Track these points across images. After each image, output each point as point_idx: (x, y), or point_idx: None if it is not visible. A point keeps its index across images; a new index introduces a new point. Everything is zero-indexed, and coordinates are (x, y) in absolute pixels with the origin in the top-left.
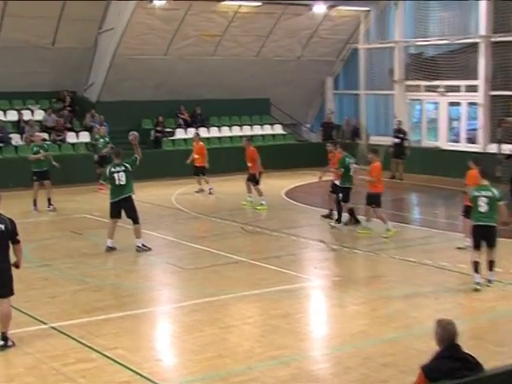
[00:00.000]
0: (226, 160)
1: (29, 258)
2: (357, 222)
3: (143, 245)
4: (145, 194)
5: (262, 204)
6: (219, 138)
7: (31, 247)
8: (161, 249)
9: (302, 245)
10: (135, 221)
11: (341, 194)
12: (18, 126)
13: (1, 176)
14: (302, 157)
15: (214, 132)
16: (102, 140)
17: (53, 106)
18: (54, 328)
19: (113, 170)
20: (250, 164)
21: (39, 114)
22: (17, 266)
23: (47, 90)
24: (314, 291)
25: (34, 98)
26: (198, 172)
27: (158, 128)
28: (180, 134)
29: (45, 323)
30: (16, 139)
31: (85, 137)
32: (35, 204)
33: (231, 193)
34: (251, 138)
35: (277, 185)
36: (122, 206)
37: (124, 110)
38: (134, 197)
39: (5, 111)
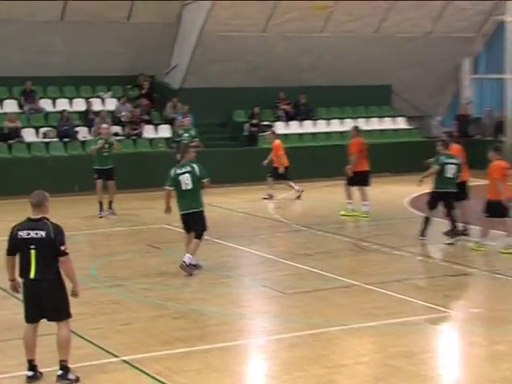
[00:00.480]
0: (336, 161)
1: (97, 277)
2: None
3: (191, 264)
4: (236, 201)
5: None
6: (328, 134)
7: (100, 263)
8: (255, 268)
9: (429, 267)
10: (198, 235)
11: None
12: (86, 118)
13: (65, 177)
14: (431, 157)
15: (321, 126)
16: (186, 134)
17: (127, 93)
18: (125, 362)
19: (178, 171)
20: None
21: (111, 103)
22: (74, 293)
23: (121, 74)
24: (445, 325)
25: (105, 83)
26: (276, 175)
27: (254, 121)
28: (280, 128)
29: (115, 355)
30: (83, 133)
31: (165, 131)
32: (101, 208)
33: (342, 200)
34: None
35: (399, 191)
36: (191, 220)
37: (212, 99)
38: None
39: (70, 99)
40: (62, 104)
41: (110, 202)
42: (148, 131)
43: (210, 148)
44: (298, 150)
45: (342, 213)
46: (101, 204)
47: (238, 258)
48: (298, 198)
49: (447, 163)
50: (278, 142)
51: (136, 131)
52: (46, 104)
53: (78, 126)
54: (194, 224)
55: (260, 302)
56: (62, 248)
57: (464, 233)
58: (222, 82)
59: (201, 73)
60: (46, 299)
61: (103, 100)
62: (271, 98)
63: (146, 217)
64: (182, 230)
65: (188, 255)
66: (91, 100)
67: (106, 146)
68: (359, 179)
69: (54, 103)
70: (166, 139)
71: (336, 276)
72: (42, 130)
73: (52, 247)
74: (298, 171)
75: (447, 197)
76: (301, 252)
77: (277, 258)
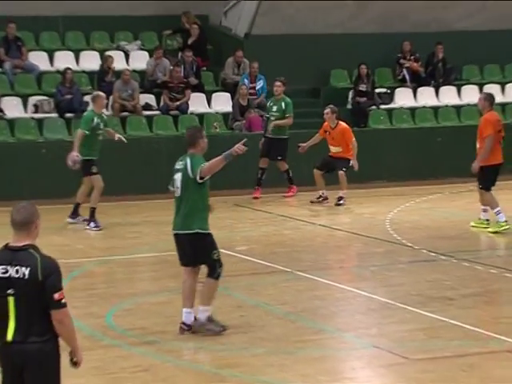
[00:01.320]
0: None
1: (116, 329)
2: None
3: (210, 319)
4: (333, 214)
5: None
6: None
7: (120, 308)
8: (363, 319)
9: None
10: (211, 272)
11: None
12: (100, 82)
13: (67, 172)
14: None
15: (469, 96)
16: (275, 108)
17: (165, 43)
18: None
19: (175, 166)
20: (339, 148)
21: (140, 58)
22: (74, 362)
23: (154, 13)
24: None
25: (131, 28)
26: (338, 166)
27: (361, 87)
28: (403, 98)
29: None
30: None
31: (223, 102)
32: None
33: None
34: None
35: None
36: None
37: (297, 53)
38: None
39: (77, 53)
40: (64, 60)
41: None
42: (196, 103)
43: (292, 130)
44: (432, 134)
45: (473, 224)
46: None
47: (336, 302)
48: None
49: None
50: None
51: (178, 103)
52: (38, 59)
53: (87, 93)
54: (192, 253)
55: (370, 372)
56: (56, 297)
57: None
58: (311, 26)
59: (279, 11)
60: (30, 373)
61: (127, 54)
62: (390, 50)
63: None
64: (248, 257)
65: (188, 310)
66: (108, 54)
67: (101, 125)
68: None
69: (50, 58)
70: (225, 115)
71: (493, 333)
72: (33, 99)
73: (39, 294)
74: (430, 166)
75: None
76: (436, 294)
77: (397, 304)
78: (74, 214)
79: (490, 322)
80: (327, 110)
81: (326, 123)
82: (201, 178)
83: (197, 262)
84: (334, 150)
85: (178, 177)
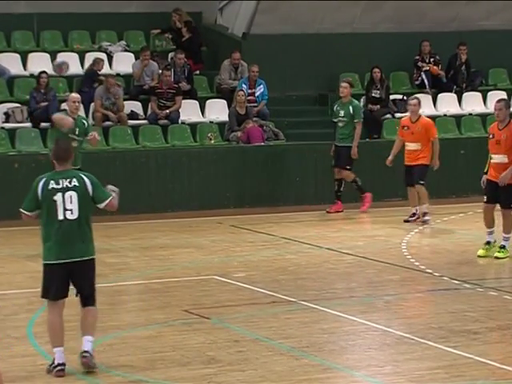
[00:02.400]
0: None
1: (98, 367)
2: None
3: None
4: (343, 235)
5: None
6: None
7: (103, 343)
8: (377, 355)
9: None
10: (92, 301)
11: None
12: (81, 87)
13: None
14: None
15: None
16: (342, 113)
17: (153, 44)
18: None
19: (53, 185)
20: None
21: (124, 61)
22: None
23: (141, 10)
24: None
25: (115, 27)
26: (415, 179)
27: (374, 93)
28: (422, 105)
29: None
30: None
31: (219, 110)
32: None
33: None
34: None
35: None
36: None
37: (301, 55)
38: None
39: (53, 55)
40: (39, 62)
41: None
42: (188, 111)
43: (295, 141)
44: (452, 145)
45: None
46: None
47: (346, 335)
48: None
49: None
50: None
51: (168, 110)
52: (9, 62)
53: (65, 100)
54: (80, 282)
55: None
56: None
57: None
58: (317, 25)
59: (281, 9)
60: None
61: (111, 55)
62: (407, 51)
63: (182, 261)
64: (247, 285)
65: (88, 338)
66: (90, 55)
67: (76, 131)
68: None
69: (23, 61)
70: (220, 125)
71: None
72: (3, 107)
73: None
74: (451, 182)
75: None
76: (459, 327)
77: (415, 338)
78: None
79: None
80: (414, 101)
81: (404, 119)
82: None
83: (86, 290)
84: (411, 146)
85: (67, 196)
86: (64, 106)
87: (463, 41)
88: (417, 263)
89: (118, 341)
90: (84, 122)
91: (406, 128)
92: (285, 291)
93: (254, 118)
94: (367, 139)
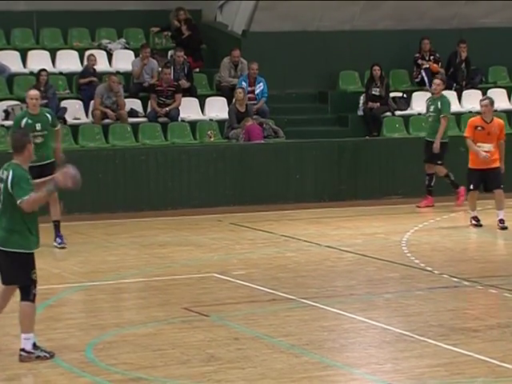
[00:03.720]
0: None
1: (97, 364)
2: None
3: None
4: (343, 233)
5: None
6: (508, 114)
7: (103, 341)
8: (377, 353)
9: None
10: (25, 294)
11: None
12: (80, 85)
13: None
14: None
15: (498, 100)
16: (432, 108)
17: (153, 41)
18: None
19: None
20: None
21: (124, 58)
22: None
23: (141, 7)
24: None
25: (114, 25)
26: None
27: (374, 91)
28: (422, 102)
29: None
30: (74, 111)
31: (219, 108)
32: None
33: None
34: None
35: None
36: None
37: (302, 52)
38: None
39: (53, 53)
40: (39, 60)
41: (57, 224)
42: (188, 108)
43: (295, 139)
44: (453, 142)
45: None
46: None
47: (346, 333)
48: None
49: None
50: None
51: (167, 109)
52: (9, 60)
53: (65, 98)
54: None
55: None
56: None
57: None
58: (318, 23)
59: (281, 6)
60: None
61: (110, 53)
62: (407, 49)
63: (182, 259)
64: (246, 283)
65: (24, 336)
66: (90, 53)
67: (38, 127)
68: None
69: (23, 58)
70: (220, 123)
71: None
72: (3, 105)
73: None
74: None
75: None
76: (459, 325)
77: (415, 336)
78: None
79: None
80: (486, 102)
81: (475, 119)
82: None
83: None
84: (486, 147)
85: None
86: (64, 104)
87: (463, 38)
88: (416, 261)
89: (117, 338)
90: (47, 115)
91: (479, 128)
92: (284, 289)
93: (254, 116)
94: (367, 137)
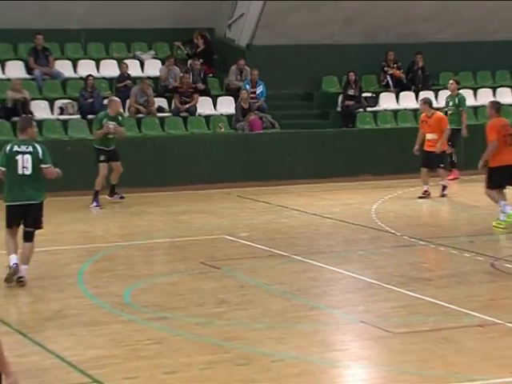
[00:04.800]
0: (468, 148)
1: (133, 306)
2: None
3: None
4: (325, 204)
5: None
6: None
7: (137, 288)
8: (352, 297)
9: None
10: (29, 237)
11: None
12: (118, 87)
13: (90, 167)
14: None
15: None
16: (451, 103)
17: (176, 53)
18: None
19: (17, 148)
20: (435, 135)
21: (153, 67)
22: None
23: (166, 26)
24: None
25: (145, 39)
26: (432, 162)
27: (350, 91)
28: (387, 101)
29: None
30: None
31: (227, 105)
32: (96, 199)
33: (475, 203)
34: None
35: None
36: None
37: (293, 62)
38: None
39: (97, 62)
40: (86, 67)
41: (113, 186)
42: (204, 105)
43: (287, 129)
44: (412, 133)
45: (494, 224)
46: (96, 193)
47: (327, 282)
48: (424, 196)
49: None
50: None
51: (187, 105)
52: (63, 67)
53: (107, 97)
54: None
55: (358, 343)
56: None
57: None
58: (306, 38)
59: (277, 25)
60: None
61: (142, 62)
62: (375, 59)
63: (199, 224)
64: (249, 243)
65: (25, 267)
66: (126, 62)
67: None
68: (505, 177)
69: (74, 66)
70: (229, 117)
71: (466, 310)
72: (59, 103)
73: None
74: (410, 162)
75: None
76: (416, 275)
77: (382, 284)
78: (112, 192)
79: (462, 300)
80: (421, 102)
81: (423, 114)
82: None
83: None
84: (429, 136)
85: (26, 158)
86: (106, 102)
87: (419, 51)
88: (383, 225)
89: (148, 286)
90: (120, 117)
91: (424, 122)
92: (279, 247)
93: (255, 111)
94: (344, 128)
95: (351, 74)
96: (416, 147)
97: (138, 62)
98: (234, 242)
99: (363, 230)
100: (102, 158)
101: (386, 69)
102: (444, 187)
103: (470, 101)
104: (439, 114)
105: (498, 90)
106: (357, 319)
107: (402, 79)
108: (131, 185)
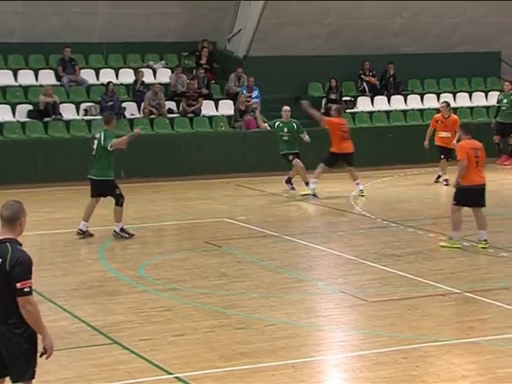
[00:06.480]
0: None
1: (146, 279)
2: None
3: (122, 229)
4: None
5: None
6: (421, 112)
7: (150, 263)
8: (333, 271)
9: None
10: (117, 202)
11: None
12: (134, 92)
13: None
14: None
15: (413, 102)
16: (505, 101)
17: (183, 62)
18: (179, 379)
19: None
20: (449, 134)
21: (164, 75)
22: (43, 352)
23: (175, 39)
24: None
25: (157, 51)
26: (445, 156)
27: (332, 96)
28: (363, 104)
29: (168, 372)
30: (131, 110)
31: (227, 108)
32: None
33: (441, 192)
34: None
35: (507, 181)
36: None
37: (283, 70)
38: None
39: (116, 70)
40: (107, 75)
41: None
42: (207, 108)
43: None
44: (385, 131)
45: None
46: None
47: (313, 258)
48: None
49: None
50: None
51: (193, 108)
52: (87, 75)
53: (124, 101)
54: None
55: (338, 310)
56: (18, 286)
57: None
58: (295, 50)
59: (270, 39)
60: (5, 350)
61: (155, 71)
62: (354, 68)
63: (203, 209)
64: (245, 225)
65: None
66: (140, 70)
67: (285, 130)
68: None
69: (97, 74)
70: (228, 117)
71: (430, 281)
72: (84, 105)
73: (8, 282)
74: (384, 156)
75: None
76: (388, 252)
77: (359, 260)
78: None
79: (427, 273)
80: (443, 104)
81: (438, 115)
82: (110, 147)
83: (104, 194)
84: (443, 134)
85: (95, 142)
86: (124, 104)
87: (391, 61)
88: (360, 209)
89: (160, 261)
90: (293, 123)
91: (439, 122)
92: (272, 228)
93: (251, 113)
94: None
95: (333, 80)
96: (426, 142)
97: (151, 70)
98: (233, 224)
99: (343, 214)
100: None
101: (362, 76)
102: (440, 176)
103: (435, 104)
104: (455, 116)
105: (458, 94)
106: (337, 290)
107: (376, 85)
108: (145, 175)
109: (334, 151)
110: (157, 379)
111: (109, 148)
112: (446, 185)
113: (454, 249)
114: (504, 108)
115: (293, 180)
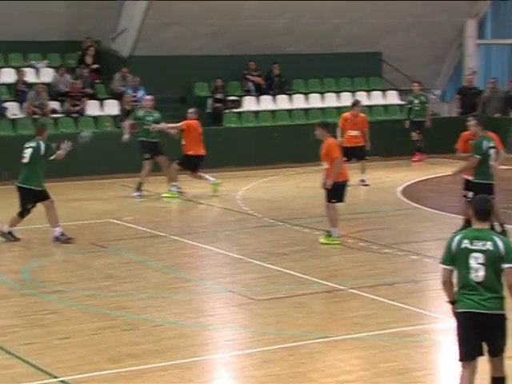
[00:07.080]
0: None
1: (31, 282)
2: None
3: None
4: (197, 191)
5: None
6: (306, 111)
7: (34, 266)
8: (220, 270)
9: (425, 268)
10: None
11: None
12: (16, 91)
13: None
14: (429, 139)
15: (298, 102)
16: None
17: (67, 62)
18: (65, 383)
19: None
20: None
21: (47, 74)
22: None
23: (59, 38)
24: (445, 337)
25: (40, 50)
26: (356, 155)
27: (218, 95)
28: (249, 104)
29: (53, 376)
30: (13, 110)
31: (112, 107)
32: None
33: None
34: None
35: (390, 179)
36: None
37: (169, 69)
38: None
39: None
40: None
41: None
42: (92, 108)
43: None
44: (270, 130)
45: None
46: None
47: (200, 258)
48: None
49: (490, 147)
50: (363, 116)
51: (77, 107)
52: None
53: (6, 101)
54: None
55: (226, 310)
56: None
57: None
58: (180, 50)
59: (154, 38)
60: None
61: (37, 70)
62: (239, 68)
63: (88, 210)
64: (132, 225)
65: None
66: (22, 70)
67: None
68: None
69: None
70: (114, 117)
71: (316, 279)
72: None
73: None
74: (269, 155)
75: (491, 191)
76: (274, 251)
77: (246, 259)
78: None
79: (313, 270)
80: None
81: (346, 114)
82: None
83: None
84: (353, 133)
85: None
86: (5, 105)
87: (276, 61)
88: (246, 208)
89: (45, 264)
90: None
91: (348, 120)
92: (158, 228)
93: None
94: (213, 127)
95: (218, 80)
96: (340, 139)
97: (33, 70)
98: (119, 224)
99: (230, 213)
100: None
101: (247, 76)
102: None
103: (317, 103)
104: (363, 115)
105: (341, 94)
106: (225, 289)
107: (262, 85)
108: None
109: (192, 154)
110: (42, 383)
111: (51, 158)
112: (365, 185)
113: (334, 245)
114: (417, 108)
115: (176, 183)
